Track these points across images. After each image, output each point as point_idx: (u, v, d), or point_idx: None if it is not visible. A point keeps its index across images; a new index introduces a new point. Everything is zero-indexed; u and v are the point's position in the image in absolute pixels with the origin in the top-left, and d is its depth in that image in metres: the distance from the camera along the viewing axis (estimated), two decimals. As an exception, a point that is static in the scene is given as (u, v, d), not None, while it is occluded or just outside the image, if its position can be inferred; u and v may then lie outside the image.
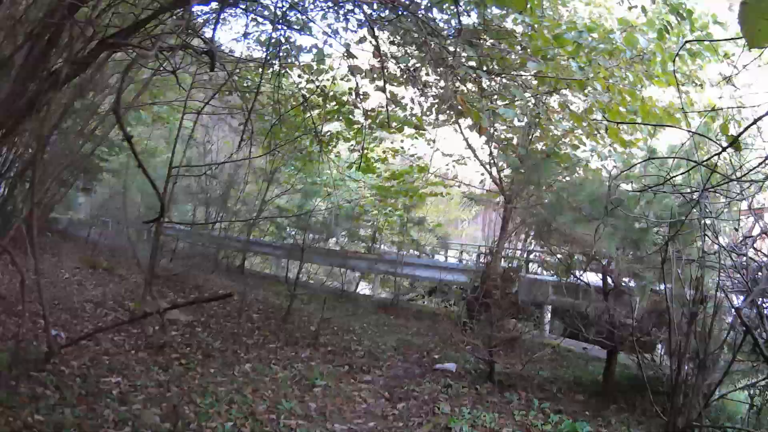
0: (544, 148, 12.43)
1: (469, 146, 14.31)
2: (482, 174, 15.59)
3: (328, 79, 11.49)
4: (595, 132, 10.94)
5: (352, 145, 14.98)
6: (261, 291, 15.77)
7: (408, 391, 8.04)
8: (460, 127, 14.00)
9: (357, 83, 8.91)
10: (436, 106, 12.74)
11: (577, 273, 9.12)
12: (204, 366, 8.02)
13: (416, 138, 15.26)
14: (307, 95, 10.51)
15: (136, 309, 10.19)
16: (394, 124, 12.92)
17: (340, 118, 13.12)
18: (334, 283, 18.36)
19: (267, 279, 19.13)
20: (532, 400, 7.72)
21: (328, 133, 14.26)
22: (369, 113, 12.08)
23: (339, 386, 7.99)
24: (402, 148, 15.85)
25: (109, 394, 6.36)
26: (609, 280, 8.33)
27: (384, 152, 15.86)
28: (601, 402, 7.85)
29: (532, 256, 15.40)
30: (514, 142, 13.48)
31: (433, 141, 15.37)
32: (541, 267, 13.97)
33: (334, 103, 12.16)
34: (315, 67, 10.90)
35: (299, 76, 11.54)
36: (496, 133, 13.31)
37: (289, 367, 8.59)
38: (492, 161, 13.88)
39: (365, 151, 14.61)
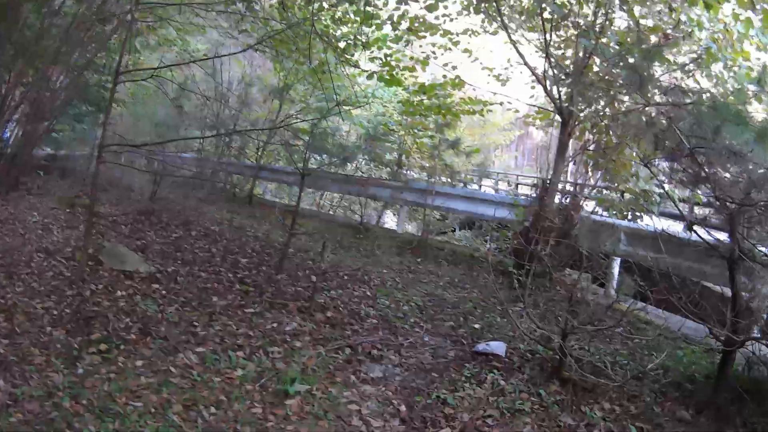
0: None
1: (516, 49, 11.52)
2: (533, 85, 12.90)
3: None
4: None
5: (372, 51, 12.34)
6: (266, 225, 13.15)
7: (437, 404, 5.34)
8: (506, 27, 11.23)
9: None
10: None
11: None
12: (132, 353, 5.51)
13: (449, 49, 12.70)
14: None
15: (81, 260, 7.74)
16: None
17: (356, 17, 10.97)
18: (354, 216, 15.87)
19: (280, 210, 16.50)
20: (626, 426, 5.06)
21: (342, 39, 11.80)
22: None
23: (328, 392, 5.30)
24: (433, 54, 13.07)
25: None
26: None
27: (411, 59, 13.10)
28: (714, 423, 5.17)
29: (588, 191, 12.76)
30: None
31: (469, 51, 13.01)
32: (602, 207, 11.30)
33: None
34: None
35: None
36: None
37: (259, 353, 5.97)
38: (547, 70, 11.16)
39: (388, 58, 12.11)
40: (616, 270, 9.76)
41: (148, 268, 8.27)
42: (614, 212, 10.74)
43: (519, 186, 23.53)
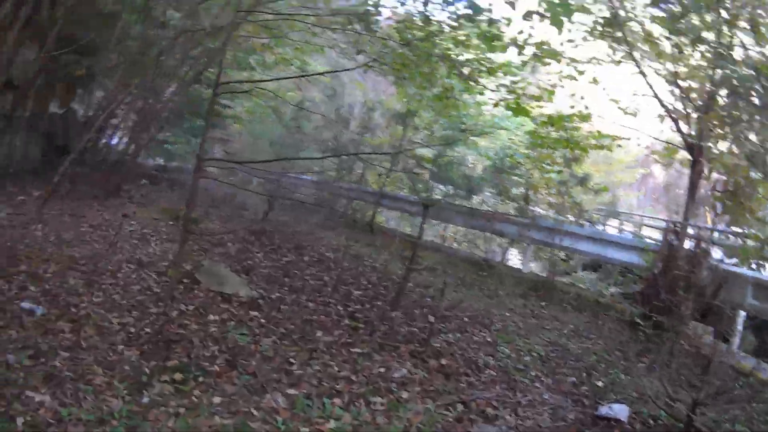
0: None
1: (645, 78, 10.61)
2: (661, 117, 11.87)
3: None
4: None
5: (497, 77, 11.50)
6: (386, 255, 12.29)
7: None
8: (632, 54, 10.35)
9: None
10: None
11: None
12: (211, 387, 4.81)
13: (574, 79, 11.86)
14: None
15: (172, 276, 7.16)
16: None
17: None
18: (477, 251, 14.97)
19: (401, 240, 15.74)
20: None
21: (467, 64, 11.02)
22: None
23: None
24: (560, 83, 12.13)
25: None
26: None
27: (538, 87, 12.17)
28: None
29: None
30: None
31: (596, 81, 12.23)
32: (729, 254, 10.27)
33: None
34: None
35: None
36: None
37: (359, 402, 5.07)
38: (675, 102, 10.27)
39: (514, 85, 11.26)
40: (740, 325, 8.80)
41: (250, 292, 7.66)
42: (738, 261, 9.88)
43: (643, 227, 22.18)
